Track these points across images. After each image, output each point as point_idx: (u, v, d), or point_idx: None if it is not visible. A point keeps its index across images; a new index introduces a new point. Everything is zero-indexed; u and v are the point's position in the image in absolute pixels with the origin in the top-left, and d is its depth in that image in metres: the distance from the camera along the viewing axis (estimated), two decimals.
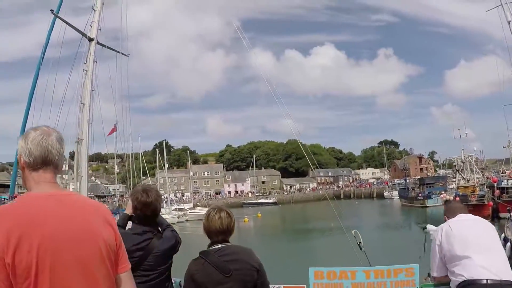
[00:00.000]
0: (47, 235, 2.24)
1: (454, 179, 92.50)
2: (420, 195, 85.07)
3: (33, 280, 2.16)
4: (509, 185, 53.66)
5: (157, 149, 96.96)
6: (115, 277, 2.58)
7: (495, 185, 54.53)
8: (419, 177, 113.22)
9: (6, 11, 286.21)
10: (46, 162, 2.52)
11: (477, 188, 54.85)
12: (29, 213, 2.28)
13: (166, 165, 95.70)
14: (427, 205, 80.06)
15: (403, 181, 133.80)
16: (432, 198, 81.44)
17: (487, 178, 68.62)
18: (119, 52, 12.95)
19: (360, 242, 9.36)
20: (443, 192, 57.87)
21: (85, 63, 11.14)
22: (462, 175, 62.48)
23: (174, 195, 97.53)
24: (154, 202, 4.60)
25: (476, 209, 50.03)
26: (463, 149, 61.30)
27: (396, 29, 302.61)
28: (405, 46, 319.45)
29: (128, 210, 4.84)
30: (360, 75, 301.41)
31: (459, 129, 61.77)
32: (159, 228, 4.80)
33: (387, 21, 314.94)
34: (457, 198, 50.69)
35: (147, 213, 4.57)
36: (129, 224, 4.87)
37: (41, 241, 2.21)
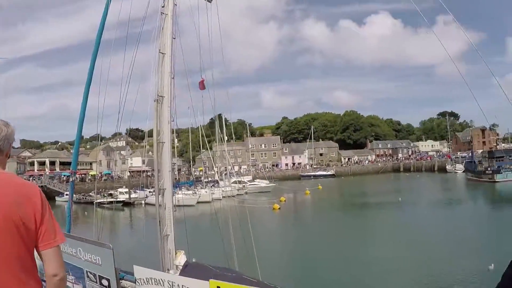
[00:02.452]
0: None
1: None
2: (489, 169, 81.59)
3: None
4: None
5: (216, 122, 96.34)
6: (40, 253, 2.79)
7: None
8: (488, 149, 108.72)
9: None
10: None
11: None
12: None
13: (226, 137, 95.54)
14: (496, 180, 76.95)
15: (467, 154, 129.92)
16: (502, 173, 78.16)
17: None
18: None
19: None
20: None
21: (162, 6, 9.99)
22: None
23: (232, 167, 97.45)
24: None
25: None
26: None
27: None
28: (466, 11, 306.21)
29: None
30: (419, 44, 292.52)
31: None
32: None
33: None
34: None
35: None
36: None
37: None
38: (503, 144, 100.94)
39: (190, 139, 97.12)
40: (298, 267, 24.64)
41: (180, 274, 8.94)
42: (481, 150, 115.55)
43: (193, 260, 9.87)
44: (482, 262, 22.89)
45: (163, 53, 9.83)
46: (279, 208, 55.57)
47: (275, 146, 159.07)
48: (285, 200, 64.56)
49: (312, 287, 20.11)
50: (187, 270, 8.96)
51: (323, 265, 25.37)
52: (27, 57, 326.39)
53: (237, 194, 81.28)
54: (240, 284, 8.47)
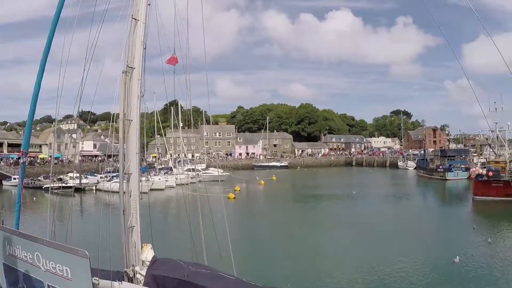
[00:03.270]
0: None
1: (475, 154, 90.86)
2: (440, 167, 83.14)
3: None
4: None
5: (172, 108, 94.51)
6: None
7: None
8: (438, 148, 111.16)
9: None
10: None
11: (508, 164, 52.84)
12: None
13: (181, 124, 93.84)
14: (447, 178, 78.60)
15: (418, 152, 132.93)
16: (453, 171, 79.91)
17: None
18: None
19: None
20: (476, 166, 55.73)
21: None
22: (493, 149, 60.40)
23: (185, 155, 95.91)
24: None
25: (507, 186, 48.58)
26: (496, 122, 58.81)
27: None
28: (425, 15, 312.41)
29: None
30: (376, 43, 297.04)
31: (496, 103, 58.73)
32: None
33: None
34: (490, 173, 48.96)
35: None
36: None
37: None
38: (453, 144, 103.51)
39: (144, 124, 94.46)
40: (260, 258, 24.21)
41: (147, 271, 7.95)
42: (432, 149, 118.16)
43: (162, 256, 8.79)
44: (444, 256, 24.33)
45: (136, 19, 8.62)
46: (234, 198, 54.70)
47: (230, 135, 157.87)
48: (239, 190, 63.65)
49: (275, 279, 19.46)
50: (156, 267, 7.94)
51: (283, 256, 25.26)
52: None
53: (191, 182, 79.80)
54: (217, 281, 7.59)
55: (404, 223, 38.17)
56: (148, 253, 8.50)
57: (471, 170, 57.40)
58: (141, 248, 8.58)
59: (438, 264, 22.97)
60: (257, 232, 34.15)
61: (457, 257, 23.35)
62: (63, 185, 70.79)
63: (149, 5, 8.89)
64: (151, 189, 60.50)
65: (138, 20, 8.61)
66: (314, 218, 42.46)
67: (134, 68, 8.61)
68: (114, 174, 78.36)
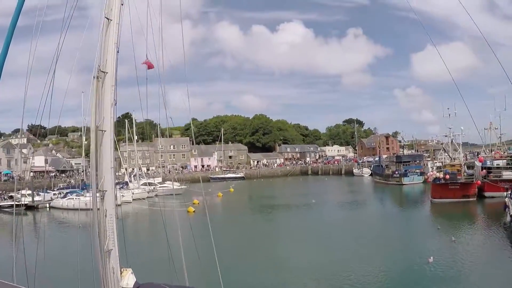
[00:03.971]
0: None
1: (429, 159, 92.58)
2: (396, 172, 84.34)
3: None
4: (495, 165, 53.69)
5: (126, 121, 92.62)
6: None
7: (480, 164, 54.36)
8: (391, 155, 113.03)
9: None
10: None
11: (463, 167, 54.24)
12: None
13: (135, 137, 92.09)
14: (404, 183, 79.66)
15: (372, 159, 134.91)
16: (408, 176, 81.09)
17: (466, 158, 69.05)
18: None
19: None
20: (432, 170, 56.65)
21: None
22: (448, 153, 61.56)
23: (139, 169, 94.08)
24: None
25: (464, 188, 49.92)
26: (450, 127, 60.27)
27: (367, 11, 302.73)
28: (374, 27, 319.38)
29: None
30: (328, 54, 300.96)
31: (452, 108, 59.99)
32: None
33: (357, 2, 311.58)
34: (447, 176, 49.95)
35: None
36: None
37: None
38: (404, 151, 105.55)
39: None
40: (232, 272, 23.48)
41: None
42: (385, 156, 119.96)
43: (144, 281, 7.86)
44: (416, 256, 25.11)
45: (109, 19, 7.74)
46: (194, 211, 53.47)
47: (184, 147, 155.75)
48: (198, 203, 62.30)
49: None
50: None
51: (252, 268, 25.08)
52: None
53: (148, 197, 78.13)
54: None
55: (368, 228, 38.34)
56: (128, 279, 7.60)
57: (428, 174, 58.40)
58: (120, 273, 7.68)
59: (412, 265, 23.34)
60: (223, 245, 33.26)
61: (431, 257, 23.78)
62: (15, 203, 68.21)
63: (122, 5, 8.06)
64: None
65: (111, 20, 7.77)
66: (276, 227, 42.12)
67: (107, 73, 7.81)
68: (68, 191, 76.05)
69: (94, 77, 7.80)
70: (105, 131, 7.79)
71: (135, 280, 7.71)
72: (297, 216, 49.34)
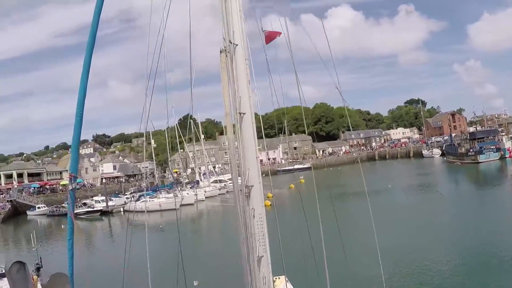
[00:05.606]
0: None
1: (503, 133, 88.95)
2: (471, 150, 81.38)
3: None
4: None
5: (191, 121, 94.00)
6: None
7: None
8: (463, 131, 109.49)
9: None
10: None
11: None
12: None
13: (202, 136, 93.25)
14: (480, 161, 76.88)
15: (441, 138, 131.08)
16: (484, 153, 78.12)
17: None
18: None
19: None
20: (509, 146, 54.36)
21: None
22: None
23: (209, 167, 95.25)
24: None
25: None
26: None
27: None
28: (426, 1, 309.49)
29: None
30: (380, 35, 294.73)
31: None
32: None
33: None
34: None
35: None
36: None
37: None
38: (476, 127, 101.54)
39: (167, 139, 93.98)
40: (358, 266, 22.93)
41: None
42: (453, 134, 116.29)
43: None
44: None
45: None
46: (270, 205, 53.29)
47: None
48: (272, 196, 62.16)
49: None
50: None
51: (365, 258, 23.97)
52: None
53: (219, 194, 79.15)
54: None
55: (461, 210, 36.79)
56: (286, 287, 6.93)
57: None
58: (273, 282, 7.04)
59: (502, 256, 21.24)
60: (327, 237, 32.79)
61: None
62: (89, 209, 70.76)
63: None
64: (181, 205, 59.67)
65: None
66: (363, 213, 41.18)
67: (237, 45, 6.96)
68: (141, 193, 78.01)
69: (221, 52, 7.16)
70: (244, 113, 6.95)
71: None
72: (378, 201, 48.10)
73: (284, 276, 7.41)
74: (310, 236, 9.69)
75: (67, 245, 7.72)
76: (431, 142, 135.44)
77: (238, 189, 7.10)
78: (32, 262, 18.35)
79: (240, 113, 6.91)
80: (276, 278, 7.17)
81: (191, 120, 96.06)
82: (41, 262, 18.10)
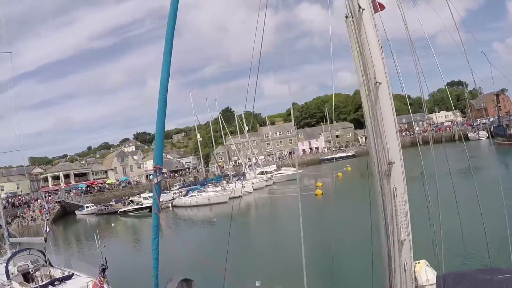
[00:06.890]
0: None
1: None
2: None
3: None
4: None
5: (235, 114, 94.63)
6: None
7: None
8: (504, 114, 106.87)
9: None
10: None
11: None
12: None
13: (246, 128, 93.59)
14: None
15: (486, 120, 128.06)
16: None
17: None
18: None
19: None
20: None
21: None
22: None
23: (249, 159, 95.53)
24: None
25: None
26: None
27: None
28: None
29: None
30: (417, 16, 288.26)
31: None
32: None
33: None
34: None
35: None
36: None
37: None
38: None
39: (211, 132, 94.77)
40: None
41: None
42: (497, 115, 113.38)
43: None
44: None
45: None
46: (322, 194, 53.33)
47: (290, 133, 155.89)
48: (321, 185, 62.03)
49: None
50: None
51: None
52: (24, 74, 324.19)
53: (266, 185, 79.50)
54: None
55: None
56: (427, 273, 6.59)
57: None
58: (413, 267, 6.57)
59: None
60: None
61: None
62: (138, 206, 71.92)
63: None
64: (230, 198, 60.23)
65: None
66: (422, 197, 40.52)
67: (363, 9, 6.51)
68: (189, 188, 78.95)
69: (346, 17, 6.81)
70: (380, 83, 6.38)
71: (435, 273, 6.72)
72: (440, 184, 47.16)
73: (424, 260, 6.83)
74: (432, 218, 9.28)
75: (152, 244, 7.84)
76: (476, 124, 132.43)
77: (379, 166, 6.54)
78: (97, 263, 18.68)
79: (376, 83, 6.41)
80: (416, 263, 6.65)
81: (234, 112, 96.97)
82: (106, 263, 18.40)
